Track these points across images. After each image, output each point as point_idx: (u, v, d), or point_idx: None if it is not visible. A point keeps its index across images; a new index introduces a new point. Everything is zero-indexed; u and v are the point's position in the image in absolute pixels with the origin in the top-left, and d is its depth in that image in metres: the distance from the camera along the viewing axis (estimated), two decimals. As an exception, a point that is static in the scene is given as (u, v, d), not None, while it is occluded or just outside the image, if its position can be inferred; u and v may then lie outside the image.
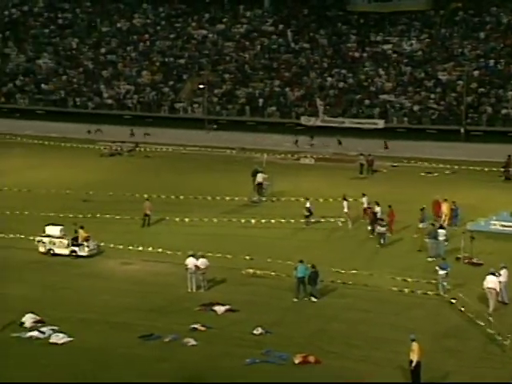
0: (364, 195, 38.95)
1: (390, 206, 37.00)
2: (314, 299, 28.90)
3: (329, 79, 74.51)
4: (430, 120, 67.12)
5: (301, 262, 29.25)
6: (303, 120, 69.29)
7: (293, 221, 38.49)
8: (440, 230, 34.15)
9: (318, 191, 43.05)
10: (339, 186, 43.73)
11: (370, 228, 37.00)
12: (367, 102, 70.44)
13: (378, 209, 37.10)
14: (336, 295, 29.35)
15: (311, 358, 23.95)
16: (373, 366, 23.71)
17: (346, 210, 38.12)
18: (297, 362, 23.86)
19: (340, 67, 75.27)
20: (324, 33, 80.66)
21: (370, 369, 23.54)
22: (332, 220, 38.18)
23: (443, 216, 37.73)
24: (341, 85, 73.40)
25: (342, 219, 38.04)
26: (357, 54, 76.53)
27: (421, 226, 35.81)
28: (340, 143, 60.12)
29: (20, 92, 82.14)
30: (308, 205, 38.72)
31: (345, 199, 38.47)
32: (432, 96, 69.13)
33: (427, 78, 71.20)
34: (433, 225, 35.13)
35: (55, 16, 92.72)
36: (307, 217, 38.43)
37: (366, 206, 38.40)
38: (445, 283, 29.27)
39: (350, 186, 44.97)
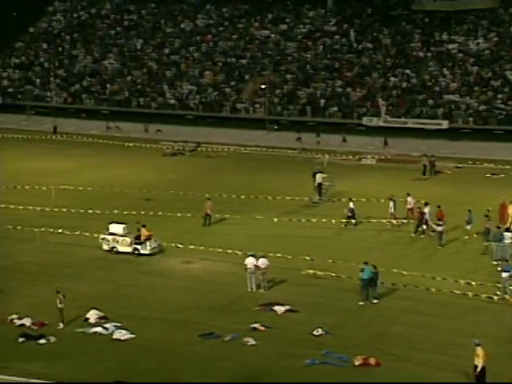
0: (409, 195, 38.64)
1: (438, 207, 36.54)
2: (374, 301, 28.66)
3: (392, 79, 73.71)
4: (496, 120, 65.74)
5: (366, 263, 29.03)
6: (365, 120, 68.73)
7: (353, 221, 38.22)
8: (506, 233, 33.44)
9: (379, 192, 42.64)
10: (401, 187, 43.23)
11: (417, 228, 36.63)
12: (431, 102, 69.41)
13: (426, 209, 36.75)
14: (397, 297, 29.04)
15: (372, 360, 23.78)
16: (434, 369, 23.38)
17: (392, 210, 37.91)
18: (357, 363, 23.72)
19: (403, 67, 74.34)
20: (387, 32, 79.83)
21: (431, 372, 23.21)
22: (394, 222, 37.80)
23: (509, 218, 36.91)
24: (404, 85, 72.51)
25: (397, 221, 37.67)
26: (421, 54, 75.47)
27: (468, 227, 35.47)
28: (344, 140, 59.93)
29: (86, 92, 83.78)
30: (351, 205, 38.61)
31: (391, 199, 38.25)
32: (499, 96, 67.71)
33: (494, 78, 69.72)
34: (498, 227, 34.46)
35: (121, 18, 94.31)
36: (349, 218, 38.31)
37: (411, 206, 38.13)
38: (511, 287, 28.66)
39: (412, 187, 44.39)
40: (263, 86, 73.66)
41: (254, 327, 26.17)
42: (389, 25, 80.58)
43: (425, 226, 36.47)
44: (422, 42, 76.48)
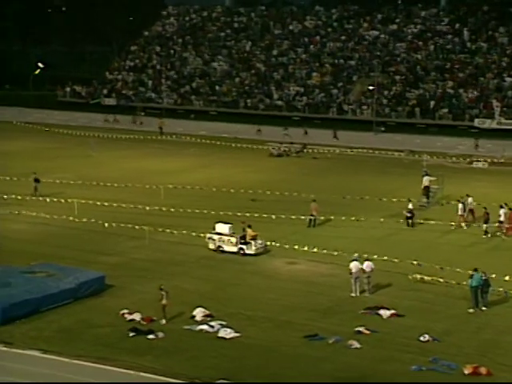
0: (469, 196, 38.39)
1: (511, 209, 35.62)
2: (483, 308, 27.70)
3: (507, 79, 71.17)
4: None
5: (475, 270, 28.11)
6: (477, 122, 66.76)
7: (463, 225, 37.13)
8: None
9: (489, 196, 41.26)
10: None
11: (484, 229, 36.35)
12: (548, 103, 66.70)
13: (501, 211, 36.36)
14: (508, 305, 27.93)
15: (482, 370, 22.94)
16: (548, 382, 22.32)
17: (461, 212, 37.61)
18: (467, 372, 22.93)
19: (520, 67, 71.86)
20: (504, 31, 77.15)
21: (545, 385, 22.17)
22: (463, 224, 36.59)
23: None
24: (520, 85, 70.06)
25: (466, 223, 37.36)
26: (538, 53, 72.74)
27: (484, 226, 35.55)
28: (335, 137, 61.19)
29: (195, 94, 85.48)
30: (410, 206, 38.30)
31: (461, 202, 38.10)
32: None
33: None
34: None
35: (231, 20, 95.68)
36: (408, 218, 37.99)
37: (471, 206, 38.15)
38: None
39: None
40: (371, 88, 72.79)
41: (358, 330, 25.81)
42: (506, 23, 77.83)
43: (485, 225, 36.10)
44: (541, 41, 73.69)
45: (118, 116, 77.82)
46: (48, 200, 41.92)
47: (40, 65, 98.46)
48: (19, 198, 42.54)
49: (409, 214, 38.29)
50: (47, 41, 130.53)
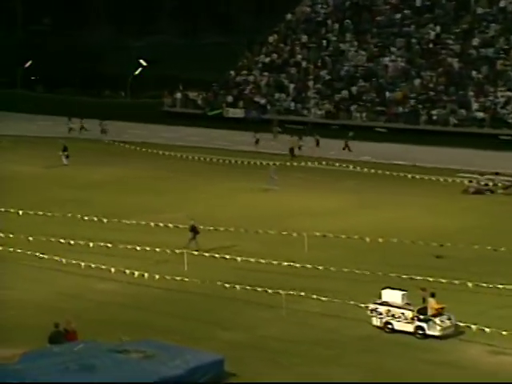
0: None
1: None
2: None
3: None
4: None
5: None
6: None
7: None
8: None
9: None
10: None
11: None
12: None
13: None
14: None
15: None
16: None
17: None
18: None
19: None
20: None
21: None
22: None
23: None
24: None
25: None
26: None
27: None
28: (318, 144, 67.53)
29: (356, 102, 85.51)
30: None
31: None
32: None
33: None
34: None
35: None
36: None
37: None
38: None
39: None
40: None
41: None
42: None
43: None
44: None
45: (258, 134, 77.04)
46: (168, 252, 42.72)
47: (142, 62, 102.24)
48: (109, 245, 43.96)
49: None
50: (151, 30, 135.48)
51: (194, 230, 44.73)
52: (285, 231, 46.42)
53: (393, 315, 34.47)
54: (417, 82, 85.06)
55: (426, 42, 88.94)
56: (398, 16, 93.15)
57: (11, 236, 45.69)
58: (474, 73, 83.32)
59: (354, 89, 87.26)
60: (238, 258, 41.62)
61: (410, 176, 62.42)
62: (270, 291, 36.90)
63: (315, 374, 28.83)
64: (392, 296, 34.89)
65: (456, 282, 38.11)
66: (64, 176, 65.78)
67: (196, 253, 43.08)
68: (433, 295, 34.58)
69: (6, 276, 41.67)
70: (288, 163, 68.15)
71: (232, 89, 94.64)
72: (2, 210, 51.14)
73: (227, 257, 41.87)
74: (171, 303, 37.77)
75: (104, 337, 32.02)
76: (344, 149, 73.28)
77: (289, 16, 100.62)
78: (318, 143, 72.89)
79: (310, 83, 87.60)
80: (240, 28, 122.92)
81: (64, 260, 41.77)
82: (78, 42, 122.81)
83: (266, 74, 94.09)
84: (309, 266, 40.56)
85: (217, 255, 42.26)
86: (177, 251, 42.56)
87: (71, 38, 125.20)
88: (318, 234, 45.67)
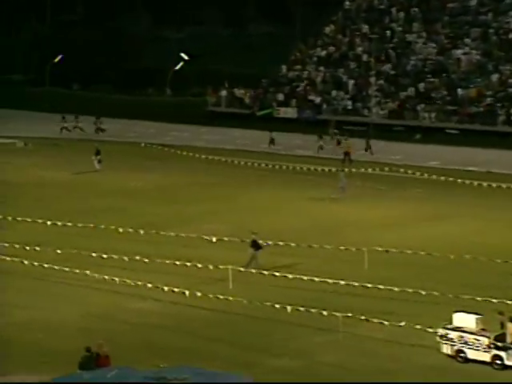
0: None
1: None
2: None
3: None
4: None
5: None
6: None
7: None
8: None
9: None
10: None
11: None
12: None
13: None
14: None
15: None
16: None
17: None
18: None
19: None
20: None
21: None
22: None
23: None
24: None
25: None
26: None
27: None
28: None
29: (424, 101, 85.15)
30: None
31: None
32: None
33: None
34: None
35: None
36: None
37: None
38: None
39: None
40: None
41: None
42: None
43: None
44: None
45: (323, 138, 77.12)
46: (211, 267, 42.64)
47: (184, 56, 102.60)
48: (146, 260, 44.01)
49: None
50: (193, 20, 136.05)
51: (256, 245, 44.53)
52: (342, 245, 46.29)
53: (466, 342, 34.08)
54: (494, 77, 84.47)
55: (505, 32, 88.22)
56: (474, 2, 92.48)
57: (38, 249, 45.84)
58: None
59: (421, 85, 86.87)
60: (290, 276, 41.55)
61: (485, 184, 61.86)
62: (324, 313, 36.73)
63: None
64: (465, 320, 34.52)
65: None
66: (96, 183, 66.15)
67: (242, 269, 42.93)
68: (512, 320, 34.22)
69: (33, 294, 41.80)
70: (346, 169, 67.84)
71: (283, 86, 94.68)
72: (29, 220, 51.40)
73: (277, 274, 41.84)
74: (214, 325, 37.75)
75: (139, 363, 31.94)
76: (366, 150, 73.03)
77: (348, 3, 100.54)
78: (368, 147, 73.16)
79: (372, 79, 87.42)
80: (292, 17, 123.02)
81: (96, 276, 41.85)
82: (112, 33, 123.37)
83: (321, 69, 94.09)
84: (369, 285, 40.32)
85: (265, 272, 42.16)
86: (220, 267, 42.45)
87: (105, 29, 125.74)
88: (379, 248, 45.49)
